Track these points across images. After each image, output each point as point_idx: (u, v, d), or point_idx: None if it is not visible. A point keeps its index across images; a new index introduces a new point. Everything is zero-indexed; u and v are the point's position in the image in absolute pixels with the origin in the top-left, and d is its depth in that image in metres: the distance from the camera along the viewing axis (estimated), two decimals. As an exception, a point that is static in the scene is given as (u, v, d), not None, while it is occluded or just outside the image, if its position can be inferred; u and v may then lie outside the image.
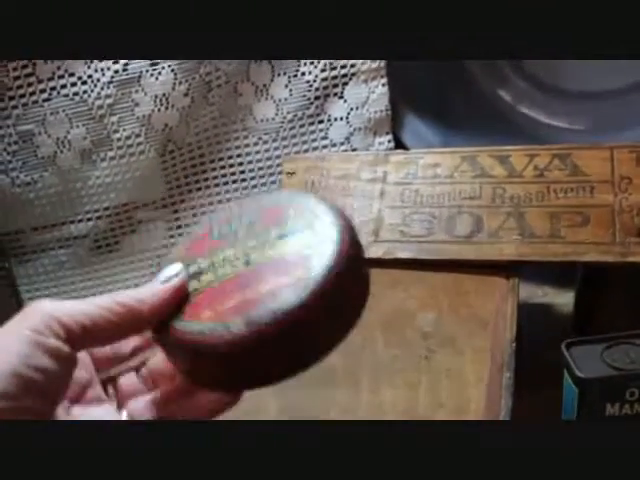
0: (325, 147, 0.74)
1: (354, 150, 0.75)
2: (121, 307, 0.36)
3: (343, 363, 0.52)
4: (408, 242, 0.62)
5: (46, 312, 0.34)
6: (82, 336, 0.35)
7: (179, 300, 0.38)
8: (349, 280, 0.37)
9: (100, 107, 0.70)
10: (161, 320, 0.38)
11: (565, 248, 0.58)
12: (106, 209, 0.75)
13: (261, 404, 0.49)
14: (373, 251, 0.62)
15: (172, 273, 0.39)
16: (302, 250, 0.37)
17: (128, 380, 0.41)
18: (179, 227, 0.77)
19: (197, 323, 0.36)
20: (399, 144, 0.75)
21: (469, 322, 0.55)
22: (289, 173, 0.69)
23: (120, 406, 0.40)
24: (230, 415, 0.48)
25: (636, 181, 0.59)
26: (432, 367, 0.51)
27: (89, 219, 0.75)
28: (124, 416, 0.39)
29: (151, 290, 0.38)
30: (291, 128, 0.74)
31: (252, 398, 0.49)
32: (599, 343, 0.50)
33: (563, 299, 0.71)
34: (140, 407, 0.39)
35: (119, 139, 0.72)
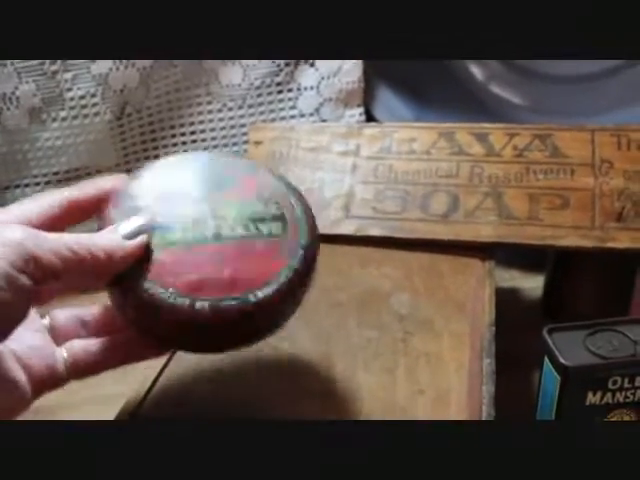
0: (293, 117, 0.71)
1: (323, 121, 0.72)
2: (90, 256, 0.35)
3: (315, 347, 0.49)
4: (381, 219, 0.59)
5: (21, 243, 0.33)
6: (49, 275, 0.34)
7: (141, 257, 0.38)
8: (310, 274, 0.41)
9: (53, 62, 0.65)
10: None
11: (543, 231, 0.56)
12: (55, 174, 0.70)
13: (225, 390, 0.45)
14: (344, 227, 0.60)
15: (136, 228, 0.38)
16: (273, 241, 0.40)
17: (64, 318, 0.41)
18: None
19: (162, 288, 0.37)
20: (370, 118, 0.72)
21: (446, 305, 0.52)
22: (256, 142, 0.65)
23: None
24: (194, 404, 0.45)
25: (617, 165, 0.57)
26: (409, 351, 0.48)
27: (37, 184, 0.70)
28: (64, 353, 0.39)
29: (118, 244, 0.37)
30: (258, 95, 0.70)
31: (217, 383, 0.46)
32: (581, 329, 0.48)
33: (531, 283, 0.70)
34: (82, 350, 0.39)
35: (72, 98, 0.67)
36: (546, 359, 0.47)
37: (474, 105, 0.75)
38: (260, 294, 0.38)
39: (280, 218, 0.40)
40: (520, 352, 0.55)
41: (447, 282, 0.55)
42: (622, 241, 0.55)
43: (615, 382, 0.46)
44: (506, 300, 0.69)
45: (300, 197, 0.43)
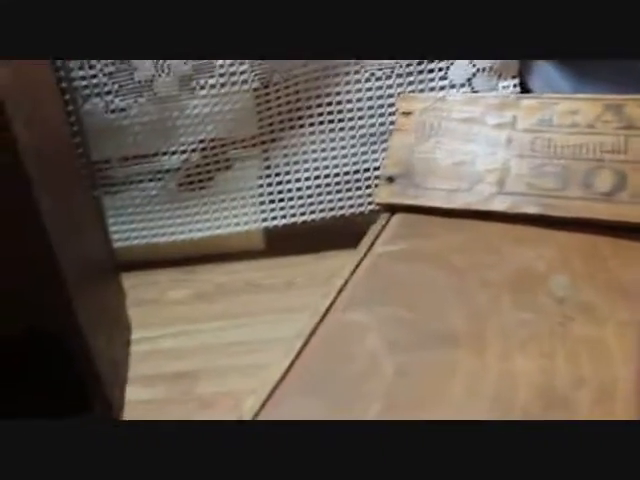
0: (443, 88, 0.68)
1: (476, 93, 0.68)
2: None
3: (466, 324, 0.46)
4: (537, 196, 0.56)
5: None
6: None
7: None
8: None
9: (204, 30, 0.65)
10: None
11: None
12: (201, 141, 0.70)
13: (376, 366, 0.44)
14: (497, 204, 0.56)
15: None
16: None
17: None
18: (277, 166, 0.72)
19: None
20: (525, 90, 0.68)
21: (609, 290, 0.48)
22: (404, 113, 0.62)
23: None
24: (344, 374, 0.43)
25: None
26: (569, 336, 0.45)
27: (183, 151, 0.71)
28: None
29: None
30: (407, 65, 0.67)
31: (366, 359, 0.44)
32: None
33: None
34: None
35: (222, 66, 0.67)
36: None
37: (637, 79, 0.69)
38: None
39: None
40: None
41: (610, 266, 0.51)
42: None
43: None
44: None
45: None
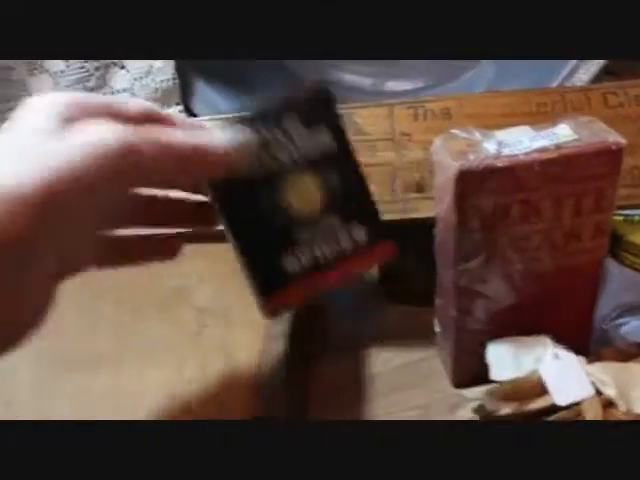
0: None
1: (142, 122, 0.71)
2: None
3: (109, 348, 0.48)
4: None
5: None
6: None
7: None
8: None
9: None
10: None
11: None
12: None
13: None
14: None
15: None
16: None
17: None
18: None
19: None
20: (191, 114, 0.71)
21: (247, 294, 0.52)
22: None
23: None
24: None
25: (415, 137, 0.58)
26: (202, 341, 0.48)
27: None
28: None
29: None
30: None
31: None
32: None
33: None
34: None
35: None
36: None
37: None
38: None
39: None
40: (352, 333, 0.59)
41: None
42: (423, 211, 0.55)
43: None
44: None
45: None
